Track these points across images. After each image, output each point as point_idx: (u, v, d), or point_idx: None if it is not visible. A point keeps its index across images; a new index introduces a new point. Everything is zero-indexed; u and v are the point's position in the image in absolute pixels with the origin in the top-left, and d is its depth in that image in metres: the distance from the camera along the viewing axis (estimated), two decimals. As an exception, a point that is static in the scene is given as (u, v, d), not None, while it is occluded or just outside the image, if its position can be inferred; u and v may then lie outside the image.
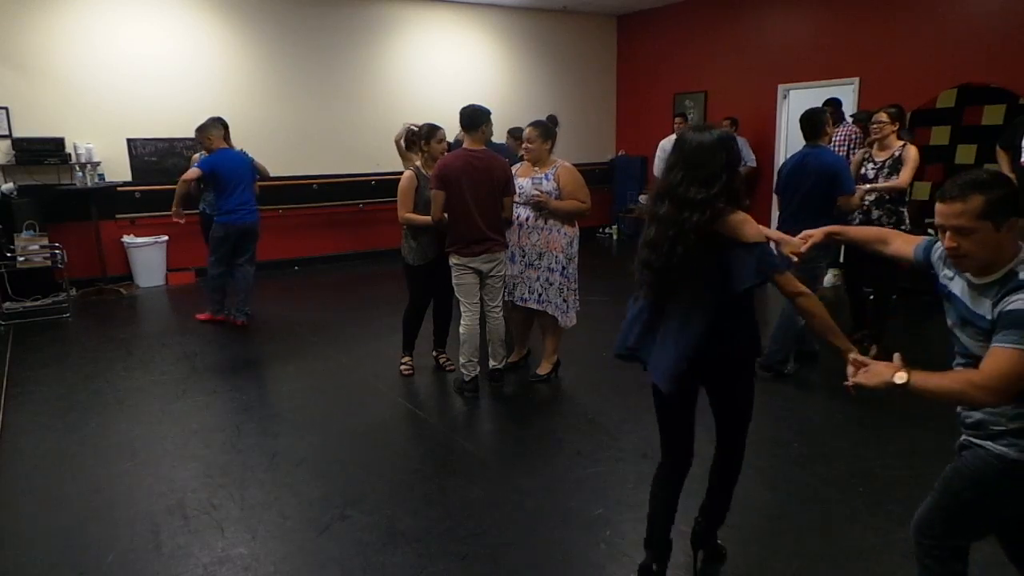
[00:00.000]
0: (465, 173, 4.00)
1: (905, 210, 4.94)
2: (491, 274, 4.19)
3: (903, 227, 4.90)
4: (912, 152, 4.81)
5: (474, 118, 4.08)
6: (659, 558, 2.41)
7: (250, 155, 5.97)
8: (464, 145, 4.15)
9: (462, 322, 4.22)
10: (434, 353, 4.85)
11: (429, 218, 4.14)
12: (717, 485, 2.48)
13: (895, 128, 4.92)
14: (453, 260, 4.16)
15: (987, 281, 1.76)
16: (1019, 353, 1.62)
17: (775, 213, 8.97)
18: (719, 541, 2.60)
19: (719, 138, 2.12)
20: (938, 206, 1.77)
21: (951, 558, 1.94)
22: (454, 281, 4.20)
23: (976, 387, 1.66)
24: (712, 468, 2.48)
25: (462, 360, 4.26)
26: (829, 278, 6.99)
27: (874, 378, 1.77)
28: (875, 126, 4.95)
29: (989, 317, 1.73)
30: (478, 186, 4.00)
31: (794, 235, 2.51)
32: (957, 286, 1.87)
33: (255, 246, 5.94)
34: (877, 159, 4.93)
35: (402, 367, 4.71)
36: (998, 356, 1.64)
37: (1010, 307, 1.66)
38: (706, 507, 2.54)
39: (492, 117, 4.23)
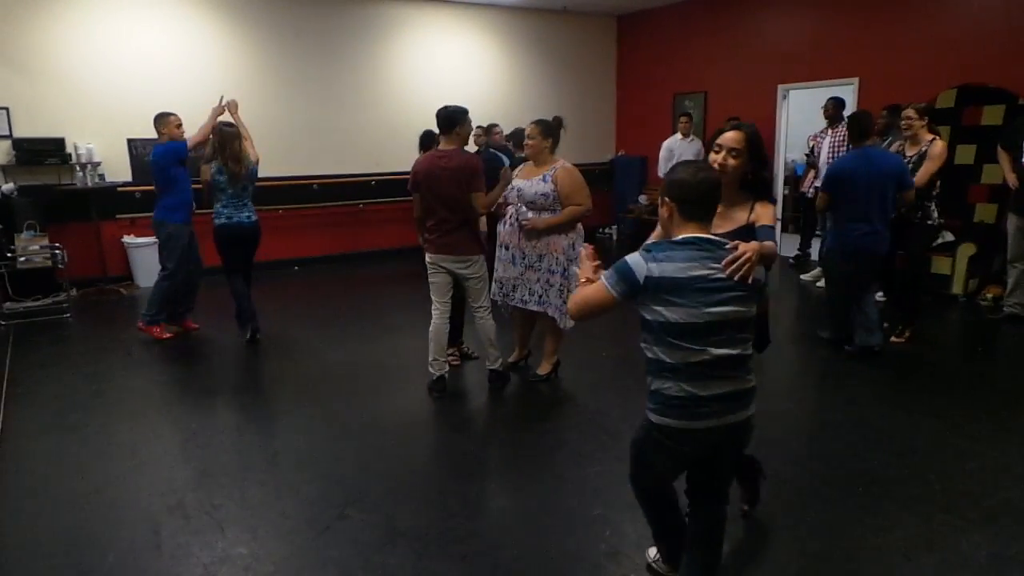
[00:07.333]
0: (431, 174, 4.10)
1: (932, 204, 5.03)
2: (469, 277, 4.23)
3: (929, 221, 5.03)
4: (937, 148, 4.95)
5: (447, 120, 4.12)
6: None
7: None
8: (439, 146, 4.23)
9: (432, 321, 4.28)
10: (450, 351, 4.85)
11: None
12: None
13: (924, 123, 5.05)
14: (426, 258, 4.26)
15: None
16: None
17: (776, 215, 8.97)
18: None
19: None
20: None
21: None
22: (429, 279, 4.28)
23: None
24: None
25: (429, 358, 4.31)
26: (815, 272, 7.04)
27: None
28: (904, 122, 5.06)
29: None
30: (443, 186, 4.07)
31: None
32: None
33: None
34: (908, 154, 5.06)
35: (449, 358, 4.74)
36: None
37: None
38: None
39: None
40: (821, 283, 7.05)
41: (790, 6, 8.50)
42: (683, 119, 8.79)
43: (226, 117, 5.44)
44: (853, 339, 4.87)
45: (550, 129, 4.20)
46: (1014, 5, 6.55)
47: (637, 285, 2.00)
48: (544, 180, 4.15)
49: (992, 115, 6.55)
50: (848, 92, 7.70)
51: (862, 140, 4.66)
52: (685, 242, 2.03)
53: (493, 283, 4.44)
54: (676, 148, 8.74)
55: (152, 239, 7.42)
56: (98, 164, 7.24)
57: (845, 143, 6.70)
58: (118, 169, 7.43)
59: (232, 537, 2.83)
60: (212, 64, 7.80)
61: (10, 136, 6.87)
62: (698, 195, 2.05)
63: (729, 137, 2.44)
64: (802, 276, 7.49)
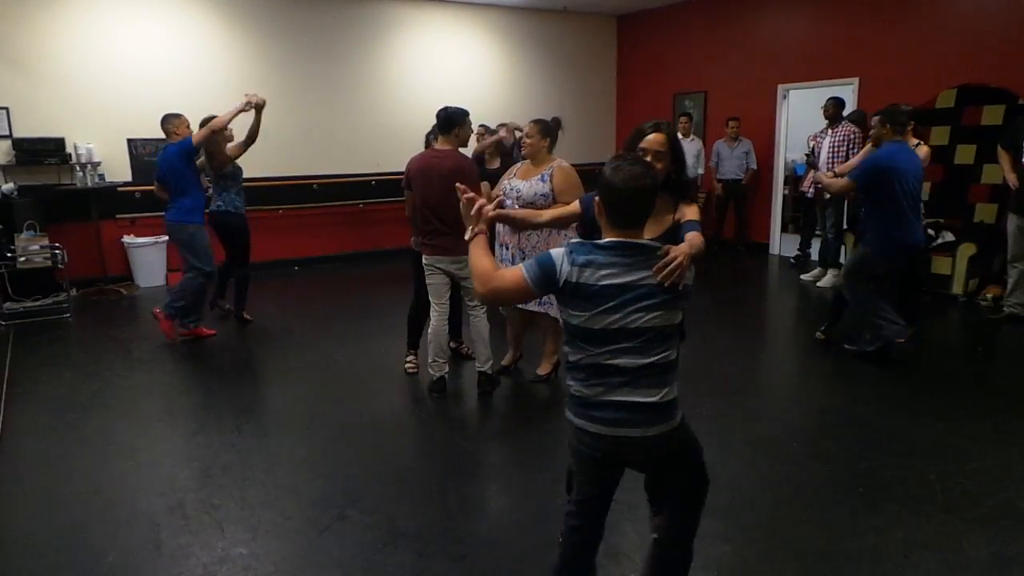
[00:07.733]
0: (422, 173, 4.13)
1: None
2: (465, 276, 4.22)
3: None
4: (921, 153, 5.01)
5: (447, 121, 4.14)
6: None
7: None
8: (435, 146, 4.25)
9: (430, 322, 4.30)
10: (452, 345, 4.85)
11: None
12: None
13: (909, 127, 5.05)
14: (423, 259, 4.27)
15: None
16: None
17: (776, 214, 8.98)
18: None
19: None
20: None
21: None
22: (426, 280, 4.29)
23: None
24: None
25: (429, 360, 4.32)
26: (828, 278, 7.00)
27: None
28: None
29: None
30: (433, 189, 4.08)
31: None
32: None
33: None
34: None
35: (406, 365, 4.73)
36: None
37: None
38: None
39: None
40: (821, 283, 7.05)
41: (790, 6, 8.51)
42: (683, 119, 8.78)
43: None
44: (855, 339, 4.86)
45: (548, 129, 4.21)
46: (1014, 5, 6.55)
47: (556, 284, 1.92)
48: (543, 180, 4.15)
49: (992, 115, 6.55)
50: (848, 92, 7.69)
51: (899, 133, 4.64)
52: (610, 246, 1.90)
53: None
54: None
55: (151, 239, 7.47)
56: (98, 164, 7.23)
57: (846, 143, 6.72)
58: (118, 169, 7.43)
59: (232, 537, 2.83)
60: (212, 64, 7.79)
61: (10, 136, 6.87)
62: (623, 203, 1.90)
63: (653, 140, 2.41)
64: (802, 276, 7.49)
